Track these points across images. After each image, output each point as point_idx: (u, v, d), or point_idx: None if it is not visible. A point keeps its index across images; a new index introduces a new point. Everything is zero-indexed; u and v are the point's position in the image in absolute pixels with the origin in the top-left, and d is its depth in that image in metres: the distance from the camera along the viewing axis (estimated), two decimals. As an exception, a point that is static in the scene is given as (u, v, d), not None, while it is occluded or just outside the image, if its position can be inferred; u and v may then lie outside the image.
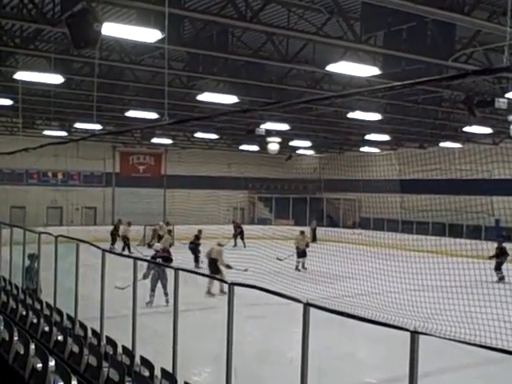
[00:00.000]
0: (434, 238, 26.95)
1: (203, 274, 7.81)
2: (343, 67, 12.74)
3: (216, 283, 14.96)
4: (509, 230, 28.14)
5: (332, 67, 12.85)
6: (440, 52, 12.11)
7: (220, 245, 17.39)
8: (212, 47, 13.37)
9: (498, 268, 20.35)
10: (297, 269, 21.76)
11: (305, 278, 17.63)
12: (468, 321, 10.44)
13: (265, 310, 12.79)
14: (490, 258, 20.67)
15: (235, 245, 29.41)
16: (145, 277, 13.60)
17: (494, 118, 20.77)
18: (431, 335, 4.94)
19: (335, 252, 19.24)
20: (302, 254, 22.35)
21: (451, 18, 10.16)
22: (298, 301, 5.81)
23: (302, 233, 23.64)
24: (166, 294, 14.16)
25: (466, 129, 23.13)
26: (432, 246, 25.39)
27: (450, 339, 5.04)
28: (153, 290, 14.75)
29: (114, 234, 27.89)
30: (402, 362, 4.87)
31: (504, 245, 21.31)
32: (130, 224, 28.04)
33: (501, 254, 20.80)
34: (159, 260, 14.95)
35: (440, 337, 5.07)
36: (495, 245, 21.52)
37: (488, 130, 23.44)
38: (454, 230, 27.57)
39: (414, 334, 4.77)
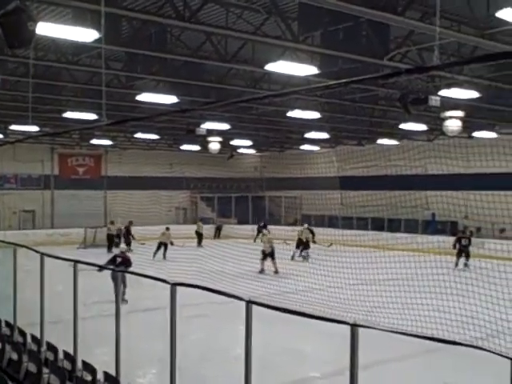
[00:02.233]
0: (374, 233, 27.59)
1: (146, 276, 7.76)
2: (282, 67, 12.86)
3: None
4: (444, 224, 29.07)
5: (271, 67, 12.95)
6: (375, 51, 12.39)
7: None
8: (150, 47, 13.26)
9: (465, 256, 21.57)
10: (292, 258, 23.73)
11: (247, 277, 17.71)
12: (408, 312, 10.73)
13: (209, 308, 12.80)
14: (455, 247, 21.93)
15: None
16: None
17: (428, 116, 21.39)
18: (371, 327, 5.06)
19: (278, 250, 19.45)
20: (306, 245, 24.54)
21: (385, 18, 10.40)
22: (240, 298, 5.86)
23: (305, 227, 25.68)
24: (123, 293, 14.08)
25: (402, 126, 23.75)
26: (372, 241, 25.96)
27: (389, 331, 5.17)
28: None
29: (128, 236, 27.39)
30: (345, 355, 4.98)
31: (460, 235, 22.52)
32: (113, 223, 28.42)
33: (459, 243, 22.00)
34: (119, 259, 15.53)
35: (379, 329, 5.20)
36: (433, 238, 22.31)
37: (423, 127, 24.15)
38: (393, 225, 28.24)
39: (354, 327, 4.89)
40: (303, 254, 24.39)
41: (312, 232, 25.97)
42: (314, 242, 25.75)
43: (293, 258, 23.88)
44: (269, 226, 29.92)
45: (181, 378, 6.83)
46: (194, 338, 11.26)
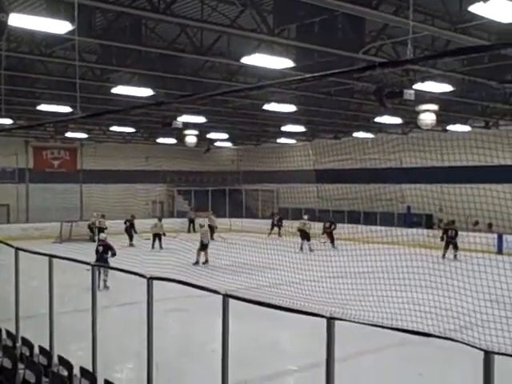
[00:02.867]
0: (350, 226, 27.75)
1: (123, 270, 7.74)
2: (257, 60, 12.84)
3: None
4: (419, 216, 29.37)
5: (246, 59, 12.93)
6: (350, 45, 12.45)
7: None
8: (125, 39, 13.14)
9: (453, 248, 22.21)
10: (301, 249, 24.66)
11: (224, 270, 17.71)
12: (383, 305, 10.83)
13: (186, 302, 12.80)
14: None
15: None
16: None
17: (402, 109, 21.56)
18: (346, 320, 5.11)
19: (254, 243, 19.45)
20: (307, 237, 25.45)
21: (360, 11, 10.46)
22: (217, 292, 5.86)
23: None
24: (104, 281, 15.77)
25: (377, 119, 23.90)
26: (348, 234, 26.12)
27: (364, 323, 5.22)
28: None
29: (130, 231, 27.61)
30: (322, 348, 5.01)
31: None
32: (104, 216, 28.45)
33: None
34: (100, 248, 16.74)
35: (355, 321, 5.25)
36: (408, 231, 22.59)
37: (398, 121, 24.33)
38: (369, 218, 28.46)
39: (330, 320, 4.92)
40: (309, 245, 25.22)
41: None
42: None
43: (301, 249, 24.82)
44: (245, 219, 30.03)
45: (158, 373, 6.82)
46: (171, 333, 11.24)
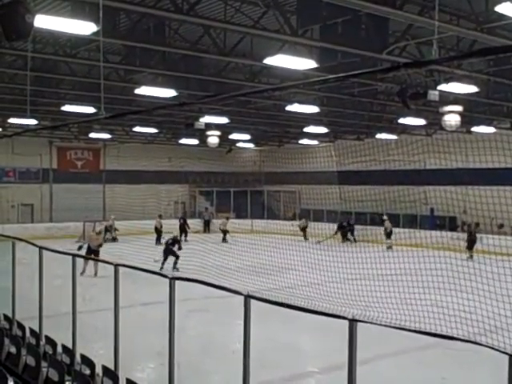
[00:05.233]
0: (372, 228, 27.61)
1: (144, 270, 7.78)
2: (280, 60, 12.79)
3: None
4: (443, 219, 29.08)
5: (269, 60, 12.90)
6: (374, 45, 12.36)
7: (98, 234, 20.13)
8: (149, 40, 13.22)
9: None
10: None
11: (246, 271, 17.70)
12: (406, 307, 10.73)
13: (207, 303, 12.82)
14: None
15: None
16: None
17: (426, 110, 21.35)
18: (369, 322, 5.07)
19: (276, 244, 19.42)
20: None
21: (384, 11, 10.38)
22: (239, 293, 5.85)
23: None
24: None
25: (401, 120, 23.70)
26: (371, 236, 25.99)
27: (387, 326, 5.17)
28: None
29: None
30: (343, 350, 4.98)
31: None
32: (160, 216, 29.63)
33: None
34: (170, 241, 20.19)
35: (378, 324, 5.21)
36: (431, 233, 22.48)
37: (422, 122, 24.09)
38: (392, 220, 28.18)
39: (352, 322, 4.88)
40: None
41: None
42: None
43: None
44: (267, 221, 30.18)
45: (179, 373, 6.83)
46: (192, 333, 11.26)
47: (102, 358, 7.43)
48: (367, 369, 7.96)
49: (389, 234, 26.89)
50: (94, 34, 10.36)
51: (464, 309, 10.62)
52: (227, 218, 31.15)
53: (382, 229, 27.45)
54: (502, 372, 4.07)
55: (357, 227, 29.88)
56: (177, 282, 6.78)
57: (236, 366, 5.99)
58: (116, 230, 29.76)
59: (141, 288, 13.84)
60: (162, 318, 6.85)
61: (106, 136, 32.38)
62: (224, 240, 28.68)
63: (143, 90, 17.39)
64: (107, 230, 29.18)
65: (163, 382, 6.69)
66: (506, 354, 4.07)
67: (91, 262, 17.30)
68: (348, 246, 26.08)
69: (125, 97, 19.60)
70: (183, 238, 28.71)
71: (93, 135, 31.72)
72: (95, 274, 17.28)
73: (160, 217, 29.49)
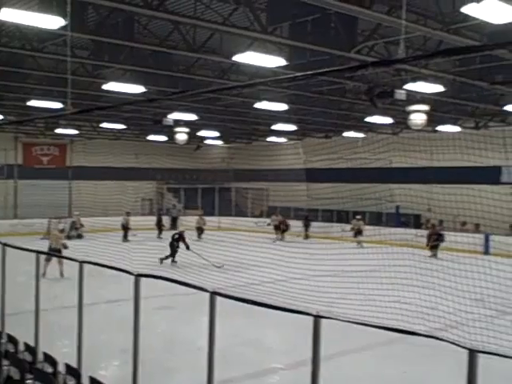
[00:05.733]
0: (338, 225, 27.82)
1: (109, 267, 7.72)
2: (250, 58, 12.81)
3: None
4: (408, 216, 29.47)
5: (239, 57, 12.91)
6: (343, 44, 12.47)
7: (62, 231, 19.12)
8: (117, 35, 13.09)
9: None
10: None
11: (212, 268, 17.71)
12: (369, 303, 10.84)
13: (174, 300, 12.78)
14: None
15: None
16: None
17: (393, 109, 21.60)
18: (333, 318, 5.10)
19: (241, 241, 19.45)
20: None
21: (352, 10, 10.46)
22: (204, 290, 5.84)
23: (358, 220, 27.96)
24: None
25: (368, 119, 23.96)
26: (336, 233, 26.18)
27: (351, 322, 5.21)
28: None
29: (160, 226, 29.86)
30: (307, 346, 5.01)
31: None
32: (128, 214, 29.33)
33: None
34: (176, 236, 20.56)
35: (342, 320, 5.25)
36: (396, 230, 22.73)
37: (388, 121, 24.39)
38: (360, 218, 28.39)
39: (317, 319, 4.92)
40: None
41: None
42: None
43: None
44: (235, 218, 30.18)
45: (144, 370, 6.80)
46: (158, 330, 11.22)
47: (65, 356, 7.34)
48: (331, 364, 8.05)
49: (359, 232, 27.09)
50: (62, 28, 10.24)
51: (426, 305, 10.80)
52: (201, 216, 30.86)
53: (350, 226, 27.66)
54: (462, 366, 4.15)
55: (323, 224, 30.01)
56: (144, 279, 6.75)
57: (201, 363, 5.99)
58: (81, 225, 29.41)
59: (106, 285, 13.75)
60: (127, 316, 6.80)
61: (73, 132, 31.96)
62: (199, 238, 28.48)
63: (111, 86, 17.24)
64: (72, 227, 28.88)
65: (127, 380, 6.65)
66: (466, 348, 4.15)
67: (54, 263, 16.28)
68: (313, 243, 26.24)
69: (92, 92, 19.39)
70: (157, 234, 29.02)
71: (59, 131, 31.29)
72: (61, 275, 16.53)
73: (127, 214, 29.25)
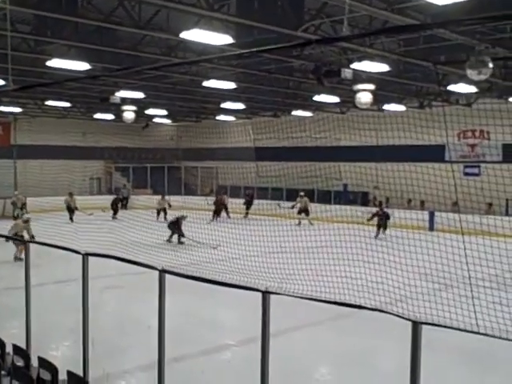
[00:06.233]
0: (288, 203, 28.09)
1: (56, 246, 7.65)
2: (197, 35, 12.70)
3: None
4: (355, 194, 29.98)
5: (185, 35, 12.78)
6: (290, 23, 12.49)
7: (26, 222, 17.39)
8: (61, 10, 12.74)
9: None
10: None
11: (164, 247, 17.67)
12: (320, 279, 11.04)
13: (123, 280, 12.72)
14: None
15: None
16: None
17: (340, 88, 21.80)
18: (282, 294, 5.20)
19: (195, 219, 19.46)
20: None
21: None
22: (153, 268, 5.85)
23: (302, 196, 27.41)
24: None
25: (316, 98, 24.12)
26: (287, 211, 26.43)
27: (298, 297, 5.32)
28: None
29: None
30: (260, 323, 5.09)
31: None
32: (71, 194, 28.51)
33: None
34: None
35: (290, 295, 5.36)
36: (345, 207, 23.09)
37: (336, 100, 24.62)
38: (307, 195, 28.73)
39: (265, 294, 5.00)
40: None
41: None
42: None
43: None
44: (185, 197, 29.92)
45: (94, 350, 6.79)
46: (107, 310, 11.18)
47: (14, 337, 7.26)
48: (283, 340, 8.21)
49: (305, 211, 27.21)
50: (2, 1, 9.93)
51: (376, 280, 11.07)
52: (162, 197, 29.77)
53: (293, 204, 27.70)
54: (409, 338, 4.30)
55: (271, 202, 30.08)
56: (95, 259, 6.70)
57: (152, 342, 6.02)
58: (23, 204, 28.30)
59: (55, 266, 13.58)
60: (76, 296, 6.76)
61: (17, 109, 31.14)
62: (165, 218, 27.86)
63: (55, 63, 16.78)
64: (15, 207, 28.08)
65: (77, 360, 6.62)
66: (409, 320, 4.30)
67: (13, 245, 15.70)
68: (257, 221, 26.43)
69: (36, 69, 18.89)
70: (112, 215, 28.41)
71: (2, 108, 30.38)
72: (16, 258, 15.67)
73: (70, 195, 28.50)
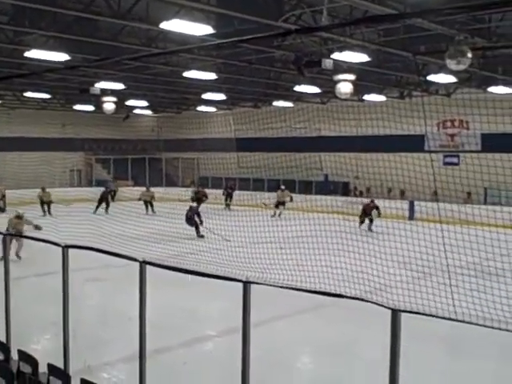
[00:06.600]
0: (270, 195, 28.15)
1: (34, 238, 7.61)
2: (177, 25, 12.66)
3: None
4: (336, 184, 30.09)
5: (166, 25, 12.72)
6: (270, 13, 12.48)
7: (19, 217, 16.41)
8: (39, 0, 12.60)
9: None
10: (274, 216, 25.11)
11: (146, 239, 17.60)
12: (302, 269, 11.09)
13: (105, 272, 12.68)
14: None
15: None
16: None
17: (321, 78, 21.85)
18: (263, 284, 5.22)
19: (177, 211, 19.41)
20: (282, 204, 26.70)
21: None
22: (134, 259, 5.83)
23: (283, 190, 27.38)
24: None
25: (297, 88, 24.13)
26: (269, 201, 26.47)
27: (280, 286, 5.35)
28: None
29: (107, 200, 28.20)
30: (241, 313, 5.10)
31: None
32: (44, 189, 27.88)
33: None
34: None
35: (271, 285, 5.38)
36: (326, 198, 23.07)
37: (316, 90, 24.64)
38: (288, 186, 28.83)
39: (246, 284, 5.02)
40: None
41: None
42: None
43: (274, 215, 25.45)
44: (166, 188, 29.79)
45: (75, 342, 6.77)
46: (88, 302, 11.15)
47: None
48: (264, 329, 8.25)
49: (282, 204, 26.91)
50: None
51: (356, 269, 11.15)
52: (147, 189, 29.52)
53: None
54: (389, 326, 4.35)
55: (253, 193, 30.11)
56: (75, 251, 6.67)
57: (133, 334, 6.01)
58: (3, 196, 28.23)
59: (35, 258, 13.50)
60: (58, 288, 6.73)
61: (-5, 101, 30.83)
62: (153, 211, 27.55)
63: (34, 53, 16.62)
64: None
65: (58, 353, 6.60)
66: (389, 308, 4.35)
67: (13, 243, 14.82)
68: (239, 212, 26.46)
69: (15, 60, 18.68)
70: (104, 209, 27.51)
71: (-20, 100, 30.09)
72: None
73: (43, 189, 27.92)
